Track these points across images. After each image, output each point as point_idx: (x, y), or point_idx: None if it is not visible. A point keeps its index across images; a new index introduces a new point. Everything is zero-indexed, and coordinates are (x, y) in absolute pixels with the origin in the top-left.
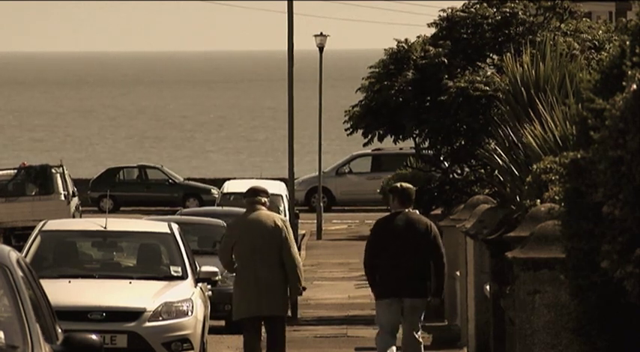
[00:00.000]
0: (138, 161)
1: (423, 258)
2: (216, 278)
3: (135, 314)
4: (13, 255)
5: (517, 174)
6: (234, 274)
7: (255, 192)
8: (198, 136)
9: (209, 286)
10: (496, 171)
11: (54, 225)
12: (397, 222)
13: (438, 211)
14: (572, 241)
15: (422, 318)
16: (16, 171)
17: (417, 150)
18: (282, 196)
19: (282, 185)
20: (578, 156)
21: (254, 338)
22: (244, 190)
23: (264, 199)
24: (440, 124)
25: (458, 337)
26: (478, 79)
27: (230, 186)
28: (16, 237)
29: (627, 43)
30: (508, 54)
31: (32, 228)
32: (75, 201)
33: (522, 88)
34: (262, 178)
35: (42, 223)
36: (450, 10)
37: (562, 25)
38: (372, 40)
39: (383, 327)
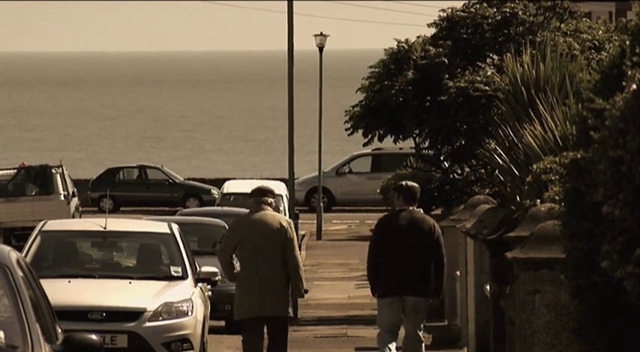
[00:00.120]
0: (138, 161)
1: (425, 257)
2: (216, 278)
3: (135, 314)
4: (13, 255)
5: (517, 174)
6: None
7: (261, 192)
8: (198, 136)
9: (209, 286)
10: (496, 171)
11: (54, 225)
12: (401, 220)
13: (438, 211)
14: (572, 241)
15: (424, 318)
16: (16, 171)
17: (417, 150)
18: (282, 196)
19: (282, 185)
20: (578, 156)
21: (254, 338)
22: (244, 190)
23: (270, 199)
24: (440, 124)
25: (458, 337)
26: (478, 79)
27: (230, 186)
28: (16, 237)
29: (627, 43)
30: (508, 54)
31: (32, 228)
32: (75, 201)
33: (522, 88)
34: (262, 178)
35: (42, 223)
36: (450, 10)
37: (562, 25)
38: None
39: (383, 327)
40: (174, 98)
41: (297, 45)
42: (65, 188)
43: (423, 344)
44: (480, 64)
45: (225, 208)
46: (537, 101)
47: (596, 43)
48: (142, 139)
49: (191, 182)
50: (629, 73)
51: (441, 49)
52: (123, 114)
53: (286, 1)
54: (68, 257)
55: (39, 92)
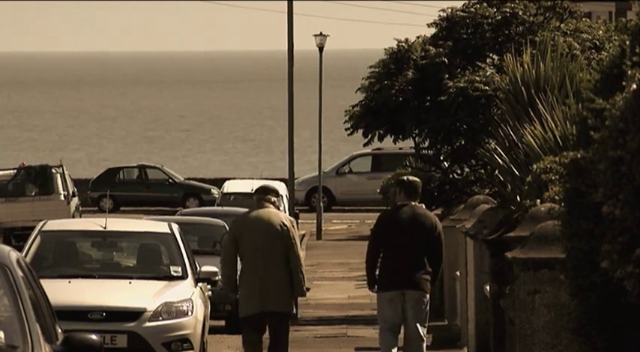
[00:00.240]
0: (138, 161)
1: (425, 252)
2: (216, 278)
3: (135, 314)
4: (13, 255)
5: (517, 174)
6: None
7: (265, 191)
8: (198, 136)
9: (209, 286)
10: (496, 171)
11: (54, 225)
12: (402, 214)
13: (438, 211)
14: (572, 241)
15: (427, 314)
16: (16, 171)
17: (416, 150)
18: (282, 196)
19: (282, 185)
20: (578, 156)
21: (254, 335)
22: (244, 190)
23: (273, 198)
24: (440, 124)
25: (458, 337)
26: (478, 78)
27: (230, 186)
28: (16, 237)
29: (627, 42)
30: (508, 54)
31: (32, 228)
32: (75, 201)
33: (522, 88)
34: (262, 178)
35: (42, 223)
36: (450, 10)
37: (562, 25)
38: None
39: (384, 324)
40: (174, 98)
41: (297, 45)
42: (65, 188)
43: (424, 344)
44: (480, 64)
45: (225, 208)
46: (537, 101)
47: (596, 42)
48: (142, 139)
49: (191, 182)
50: (629, 72)
51: (441, 49)
52: (123, 114)
53: (286, 1)
54: (68, 257)
55: (39, 92)
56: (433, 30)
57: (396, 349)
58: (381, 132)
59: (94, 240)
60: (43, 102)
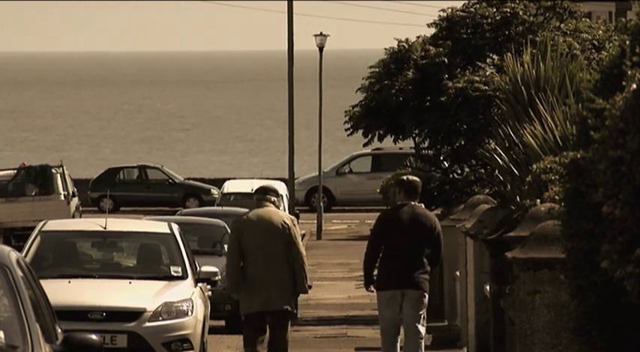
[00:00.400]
0: (138, 161)
1: (424, 252)
2: (216, 278)
3: (135, 314)
4: (13, 255)
5: (517, 174)
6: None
7: (265, 191)
8: (198, 136)
9: (209, 286)
10: (496, 171)
11: (54, 225)
12: (402, 214)
13: (438, 211)
14: (572, 241)
15: (424, 313)
16: (16, 171)
17: (416, 150)
18: (282, 196)
19: (282, 185)
20: (578, 156)
21: (254, 333)
22: (244, 190)
23: (273, 198)
24: (440, 124)
25: (458, 337)
26: (477, 79)
27: (230, 186)
28: (16, 237)
29: (627, 42)
30: (508, 54)
31: (32, 228)
32: (75, 201)
33: (522, 88)
34: (262, 178)
35: (42, 223)
36: (450, 10)
37: (562, 25)
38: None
39: (385, 324)
40: (174, 98)
41: (297, 45)
42: (65, 188)
43: (423, 341)
44: (479, 64)
45: (225, 208)
46: (537, 101)
47: (596, 42)
48: (142, 139)
49: (191, 182)
50: (629, 72)
51: (441, 49)
52: (123, 114)
53: (286, 1)
54: (68, 257)
55: (39, 92)
56: (433, 30)
57: (397, 348)
58: (381, 132)
59: (94, 240)
60: (43, 102)
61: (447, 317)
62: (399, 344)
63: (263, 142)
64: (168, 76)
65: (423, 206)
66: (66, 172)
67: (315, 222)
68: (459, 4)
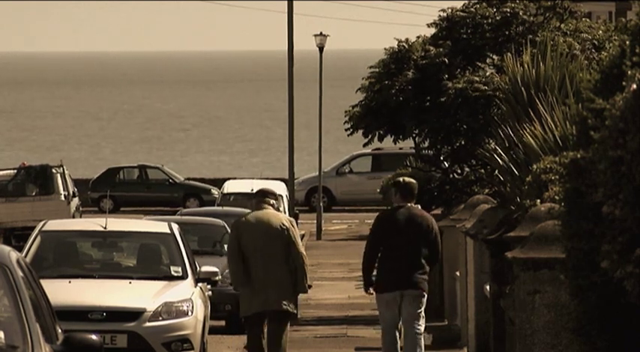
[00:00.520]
0: (138, 161)
1: (422, 253)
2: (216, 278)
3: (135, 314)
4: (13, 255)
5: (517, 174)
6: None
7: (263, 194)
8: (198, 136)
9: (209, 286)
10: (496, 171)
11: (54, 225)
12: (399, 216)
13: (438, 211)
14: (572, 241)
15: (422, 311)
16: (16, 171)
17: (417, 150)
18: (282, 196)
19: (282, 185)
20: (578, 156)
21: (258, 334)
22: (244, 190)
23: (272, 200)
24: (440, 124)
25: (458, 337)
26: (477, 79)
27: (230, 186)
28: (16, 237)
29: (627, 43)
30: (508, 54)
31: (32, 228)
32: (75, 201)
33: (522, 88)
34: (262, 178)
35: (42, 223)
36: (450, 10)
37: (562, 25)
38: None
39: (385, 324)
40: (174, 98)
41: (297, 45)
42: (65, 188)
43: (423, 340)
44: (479, 64)
45: (225, 208)
46: (537, 101)
47: (596, 42)
48: (141, 139)
49: (191, 182)
50: (629, 73)
51: (441, 49)
52: (123, 114)
53: (286, 1)
54: (68, 257)
55: (39, 92)
56: (433, 30)
57: (398, 348)
58: (381, 132)
59: (94, 240)
60: (43, 102)
61: (447, 317)
62: (399, 344)
63: (263, 142)
64: (168, 76)
65: (419, 207)
66: (66, 172)
67: (315, 222)
68: (459, 4)
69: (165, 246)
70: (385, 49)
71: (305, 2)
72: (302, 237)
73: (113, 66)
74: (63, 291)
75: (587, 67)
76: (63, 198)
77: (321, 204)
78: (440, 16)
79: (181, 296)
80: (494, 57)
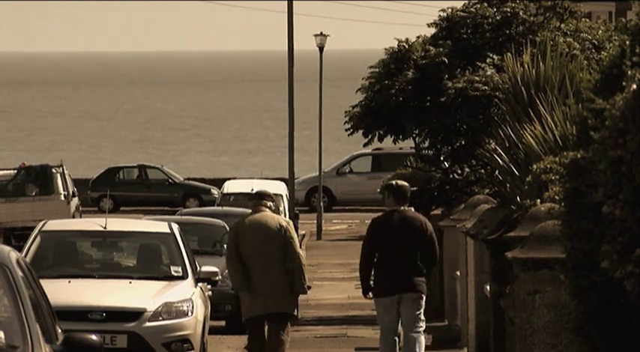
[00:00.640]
0: (137, 161)
1: (418, 254)
2: (216, 278)
3: (135, 315)
4: (13, 255)
5: (517, 174)
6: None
7: (260, 196)
8: (198, 136)
9: (209, 286)
10: (496, 171)
11: (54, 225)
12: (393, 220)
13: (438, 211)
14: (572, 241)
15: (421, 313)
16: (16, 171)
17: (417, 150)
18: (282, 196)
19: (283, 185)
20: (578, 156)
21: (259, 336)
22: (244, 190)
23: (269, 203)
24: (440, 124)
25: (458, 337)
26: (477, 78)
27: (230, 186)
28: (16, 237)
29: (627, 43)
30: (508, 54)
31: (32, 228)
32: (75, 201)
33: (522, 88)
34: (262, 178)
35: (42, 223)
36: (450, 10)
37: (562, 25)
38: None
39: (384, 328)
40: (174, 98)
41: (297, 45)
42: (65, 188)
43: (423, 336)
44: (479, 64)
45: (225, 208)
46: (537, 101)
47: (596, 42)
48: (142, 139)
49: (191, 182)
50: (629, 73)
51: (441, 49)
52: (123, 113)
53: (286, 1)
54: (68, 257)
55: (39, 92)
56: (433, 30)
57: (397, 350)
58: (381, 132)
59: (94, 240)
60: (43, 102)
61: (447, 317)
62: (397, 346)
63: (263, 142)
64: (168, 76)
65: (412, 209)
66: (66, 172)
67: (315, 222)
68: (459, 4)
69: (166, 245)
70: (385, 49)
71: (305, 2)
72: (302, 237)
73: (113, 66)
74: (63, 291)
75: (587, 67)
76: (63, 198)
77: (322, 204)
78: (440, 16)
79: (181, 297)
80: (495, 57)
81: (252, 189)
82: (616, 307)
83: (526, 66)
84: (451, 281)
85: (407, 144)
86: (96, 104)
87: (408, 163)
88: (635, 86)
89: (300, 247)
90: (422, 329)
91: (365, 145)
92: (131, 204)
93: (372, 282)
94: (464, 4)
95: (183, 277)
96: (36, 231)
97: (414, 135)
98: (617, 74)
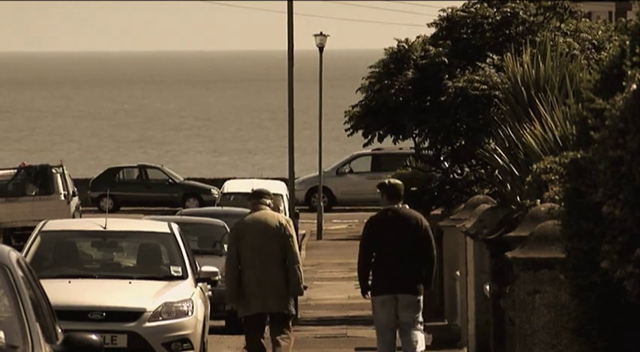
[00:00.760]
0: (137, 161)
1: (416, 252)
2: (216, 278)
3: (135, 314)
4: (13, 255)
5: (517, 174)
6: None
7: (259, 194)
8: (198, 136)
9: (209, 286)
10: (496, 171)
11: (54, 225)
12: (387, 218)
13: (438, 211)
14: (572, 241)
15: (420, 315)
16: (16, 171)
17: (417, 150)
18: (282, 196)
19: (283, 185)
20: (578, 156)
21: (255, 335)
22: (244, 190)
23: (268, 201)
24: (440, 124)
25: (458, 337)
26: (477, 78)
27: (230, 186)
28: (16, 237)
29: (627, 43)
30: (508, 54)
31: (32, 228)
32: (75, 201)
33: (522, 88)
34: (262, 178)
35: (42, 223)
36: (450, 10)
37: (562, 25)
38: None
39: (381, 326)
40: (174, 98)
41: (297, 45)
42: (65, 188)
43: (423, 336)
44: (479, 64)
45: (225, 208)
46: (537, 101)
47: (596, 42)
48: (141, 139)
49: (191, 182)
50: (629, 73)
51: (441, 49)
52: (123, 113)
53: (286, 1)
54: (68, 257)
55: (39, 92)
56: (433, 30)
57: (394, 350)
58: (381, 132)
59: (94, 240)
60: (42, 102)
61: (447, 317)
62: (396, 345)
63: (263, 142)
64: (168, 75)
65: (407, 207)
66: (66, 172)
67: (315, 221)
68: (459, 4)
69: (166, 245)
70: (385, 49)
71: (305, 2)
72: (302, 236)
73: (113, 66)
74: (63, 291)
75: (587, 67)
76: (63, 197)
77: (322, 204)
78: (440, 16)
79: (181, 297)
80: (495, 57)
81: (252, 189)
82: (616, 307)
83: (526, 66)
84: (451, 281)
85: (407, 144)
86: (96, 104)
87: (408, 163)
88: (635, 86)
89: (301, 247)
90: (421, 328)
91: (365, 145)
92: (131, 204)
93: (370, 282)
94: (464, 4)
95: (183, 277)
96: (36, 231)
97: (414, 135)
98: (617, 74)
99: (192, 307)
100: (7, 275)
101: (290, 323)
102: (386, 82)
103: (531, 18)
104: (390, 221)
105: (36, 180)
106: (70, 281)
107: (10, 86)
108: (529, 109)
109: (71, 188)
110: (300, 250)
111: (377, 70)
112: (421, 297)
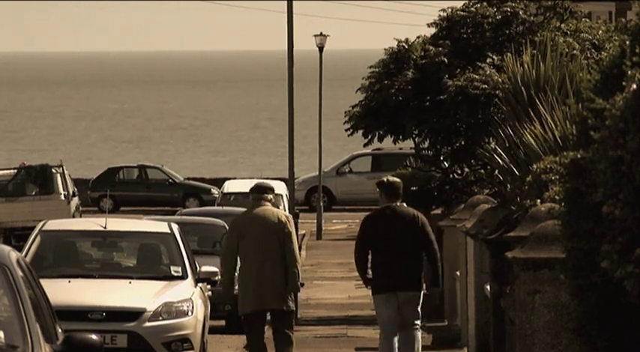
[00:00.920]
0: (137, 161)
1: (415, 249)
2: (216, 278)
3: (135, 314)
4: (13, 254)
5: (517, 174)
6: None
7: (260, 189)
8: (198, 136)
9: (209, 286)
10: (496, 171)
11: (54, 225)
12: (385, 216)
13: (438, 211)
14: (572, 241)
15: (419, 311)
16: (16, 171)
17: (417, 150)
18: (282, 196)
19: (283, 184)
20: (578, 156)
21: (256, 332)
22: (244, 190)
23: (269, 196)
24: (440, 124)
25: (458, 337)
26: (477, 77)
27: (230, 186)
28: (16, 237)
29: (627, 43)
30: (508, 54)
31: (32, 228)
32: (75, 201)
33: (522, 88)
34: (262, 178)
35: (42, 223)
36: (450, 10)
37: (562, 25)
38: (372, 40)
39: (384, 325)
40: (174, 98)
41: (297, 45)
42: (65, 188)
43: (420, 333)
44: (479, 63)
45: (225, 208)
46: (537, 101)
47: (596, 42)
48: (141, 139)
49: (191, 182)
50: (629, 73)
51: (440, 49)
52: (123, 113)
53: (286, 1)
54: (68, 257)
55: (39, 92)
56: (433, 30)
57: (395, 345)
58: (381, 132)
59: (94, 240)
60: (42, 102)
61: (447, 317)
62: (396, 343)
63: (262, 142)
64: (167, 75)
65: (405, 205)
66: (66, 172)
67: (315, 221)
68: (459, 4)
69: (165, 245)
70: (385, 49)
71: (305, 2)
72: (302, 236)
73: (113, 66)
74: (63, 291)
75: (587, 67)
76: (63, 197)
77: (321, 204)
78: (440, 15)
79: (181, 296)
80: (495, 57)
81: (255, 184)
82: (616, 307)
83: (526, 66)
84: (451, 281)
85: (407, 144)
86: (95, 104)
87: (408, 163)
88: (635, 86)
89: (301, 247)
90: (419, 326)
91: (365, 145)
92: (131, 204)
93: (369, 277)
94: (464, 4)
95: (183, 277)
96: (36, 230)
97: (414, 135)
98: (617, 74)
99: (192, 307)
100: (7, 275)
101: (293, 322)
102: (386, 82)
103: (531, 18)
104: (387, 219)
105: (36, 180)
106: (70, 281)
107: (10, 86)
108: (529, 109)
109: (71, 188)
110: (300, 250)
111: (377, 70)
112: (421, 293)
